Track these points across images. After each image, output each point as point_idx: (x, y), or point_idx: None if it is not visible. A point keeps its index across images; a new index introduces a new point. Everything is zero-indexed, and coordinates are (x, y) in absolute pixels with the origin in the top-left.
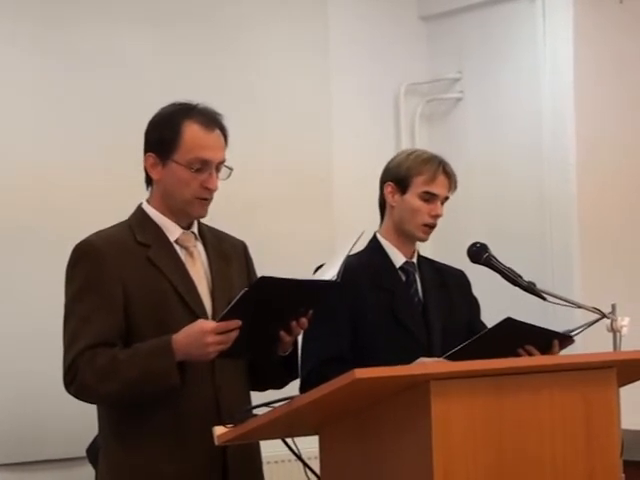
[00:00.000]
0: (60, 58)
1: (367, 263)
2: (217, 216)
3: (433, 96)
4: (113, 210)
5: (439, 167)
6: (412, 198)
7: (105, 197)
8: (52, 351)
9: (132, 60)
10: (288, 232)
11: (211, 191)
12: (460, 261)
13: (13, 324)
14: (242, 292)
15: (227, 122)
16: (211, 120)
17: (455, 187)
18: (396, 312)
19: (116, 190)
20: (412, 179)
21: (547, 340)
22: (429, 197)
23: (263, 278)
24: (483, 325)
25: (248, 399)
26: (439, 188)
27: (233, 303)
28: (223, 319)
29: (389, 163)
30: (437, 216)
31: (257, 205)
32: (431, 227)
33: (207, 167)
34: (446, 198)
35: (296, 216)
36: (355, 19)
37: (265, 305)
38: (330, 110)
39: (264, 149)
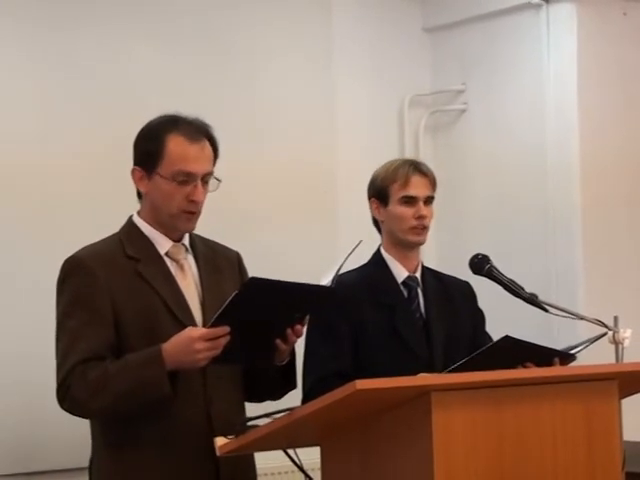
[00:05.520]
0: (61, 65)
1: (369, 278)
2: (218, 227)
3: (437, 108)
4: (111, 216)
5: (410, 169)
6: (394, 207)
7: (104, 204)
8: (52, 360)
9: (132, 63)
10: (291, 244)
11: (196, 204)
12: (463, 272)
13: (12, 333)
14: (232, 295)
15: (228, 133)
16: (197, 131)
17: (434, 184)
18: (397, 328)
19: (114, 197)
20: (389, 188)
21: (548, 358)
22: (408, 200)
23: (253, 279)
24: (488, 337)
25: (242, 411)
26: (416, 189)
27: (224, 307)
28: (214, 324)
29: (370, 180)
30: (422, 217)
31: (259, 217)
32: (421, 228)
33: (191, 179)
34: (431, 198)
35: (299, 228)
36: (359, 31)
37: (257, 309)
38: (334, 121)
39: (267, 160)
